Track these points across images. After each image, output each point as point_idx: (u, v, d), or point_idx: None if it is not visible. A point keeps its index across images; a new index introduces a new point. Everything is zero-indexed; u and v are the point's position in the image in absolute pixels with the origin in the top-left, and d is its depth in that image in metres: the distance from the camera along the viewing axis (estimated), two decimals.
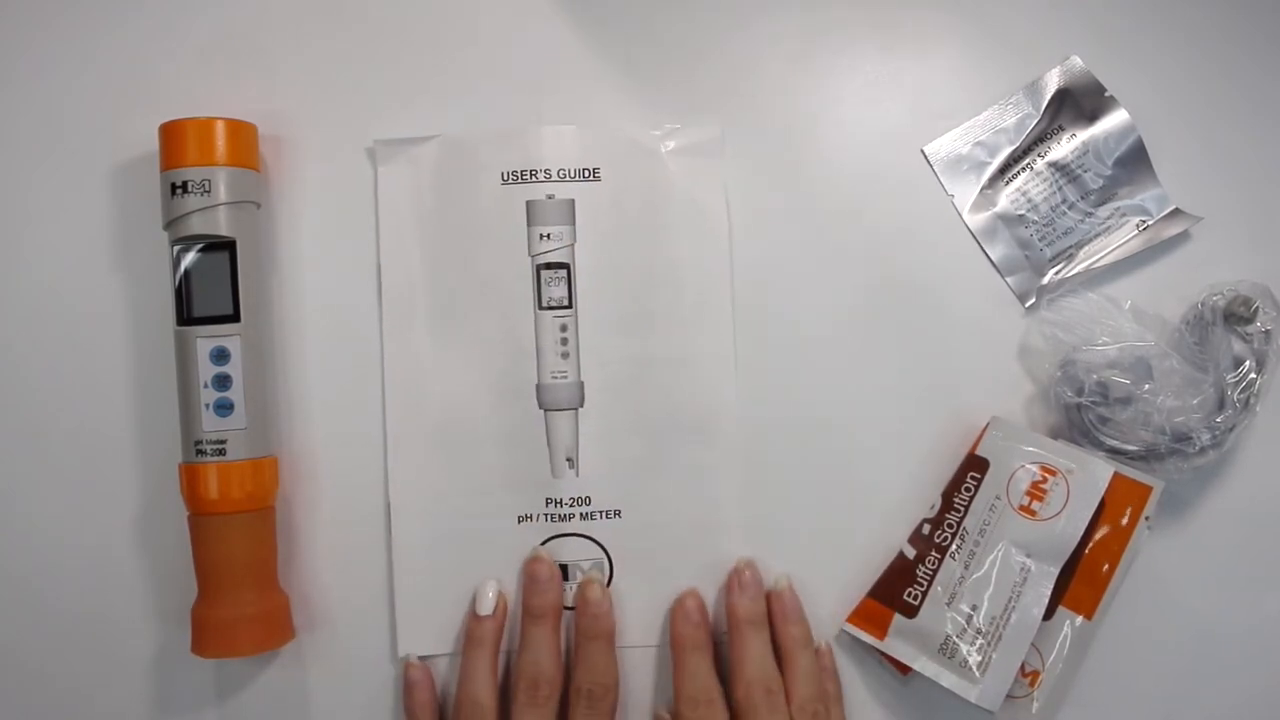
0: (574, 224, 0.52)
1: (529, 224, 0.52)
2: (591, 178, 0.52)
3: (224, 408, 0.49)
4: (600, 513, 0.52)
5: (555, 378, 0.52)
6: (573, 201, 0.52)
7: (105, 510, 0.52)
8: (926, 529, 0.52)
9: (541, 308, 0.52)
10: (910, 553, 0.52)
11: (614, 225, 0.52)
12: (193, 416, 0.49)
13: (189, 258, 0.49)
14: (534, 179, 0.52)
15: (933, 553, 0.51)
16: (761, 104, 0.54)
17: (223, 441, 0.49)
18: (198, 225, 0.49)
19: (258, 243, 0.51)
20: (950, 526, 0.51)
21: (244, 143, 0.51)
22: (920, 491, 0.53)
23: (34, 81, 0.54)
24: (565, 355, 0.52)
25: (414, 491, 0.52)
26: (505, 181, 0.52)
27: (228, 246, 0.49)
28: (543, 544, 0.52)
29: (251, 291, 0.50)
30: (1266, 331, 0.51)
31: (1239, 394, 0.51)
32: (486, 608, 0.51)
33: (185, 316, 0.49)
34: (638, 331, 0.52)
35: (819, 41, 0.55)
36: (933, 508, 0.52)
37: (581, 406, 0.52)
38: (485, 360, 0.52)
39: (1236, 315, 0.52)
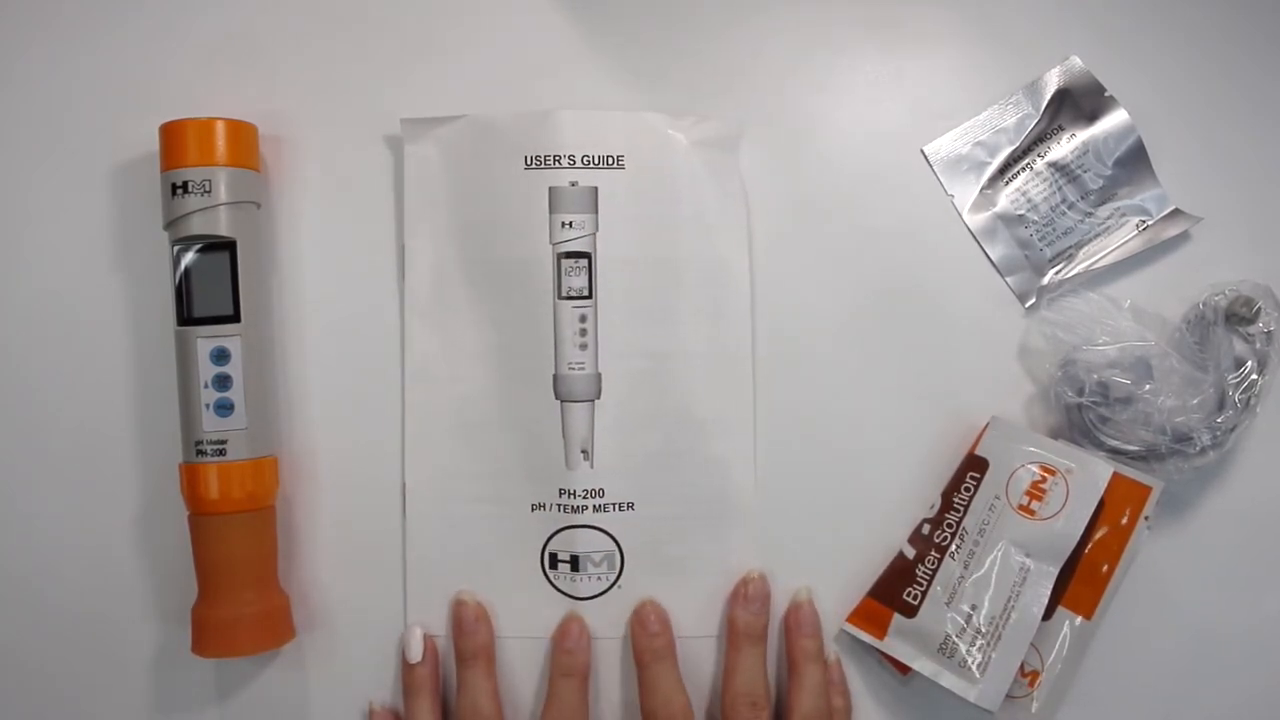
0: (596, 213, 0.51)
1: (551, 211, 0.51)
2: (615, 165, 0.51)
3: (224, 408, 0.49)
4: (613, 505, 0.52)
5: (573, 369, 0.51)
6: (596, 189, 0.51)
7: (105, 510, 0.52)
8: (926, 529, 0.52)
9: (561, 297, 0.51)
10: (910, 553, 0.52)
11: (636, 215, 0.52)
12: (193, 416, 0.49)
13: (189, 258, 0.49)
14: (557, 164, 0.51)
15: (932, 552, 0.51)
16: (760, 103, 0.54)
17: (223, 441, 0.49)
18: (198, 225, 0.49)
19: (258, 243, 0.51)
20: (950, 526, 0.51)
21: (244, 143, 0.51)
22: (920, 491, 0.53)
23: (34, 81, 0.54)
24: (583, 346, 0.51)
25: (429, 475, 0.52)
26: (529, 166, 0.51)
27: (228, 246, 0.49)
28: (554, 535, 0.52)
29: (251, 291, 0.50)
30: (1268, 332, 0.51)
31: (1240, 394, 0.51)
32: (415, 655, 0.50)
33: (185, 316, 0.49)
34: (657, 324, 0.52)
35: (818, 41, 0.55)
36: (932, 507, 0.52)
37: (598, 398, 0.52)
38: (503, 348, 0.52)
39: (1238, 315, 0.52)
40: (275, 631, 0.50)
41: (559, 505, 0.52)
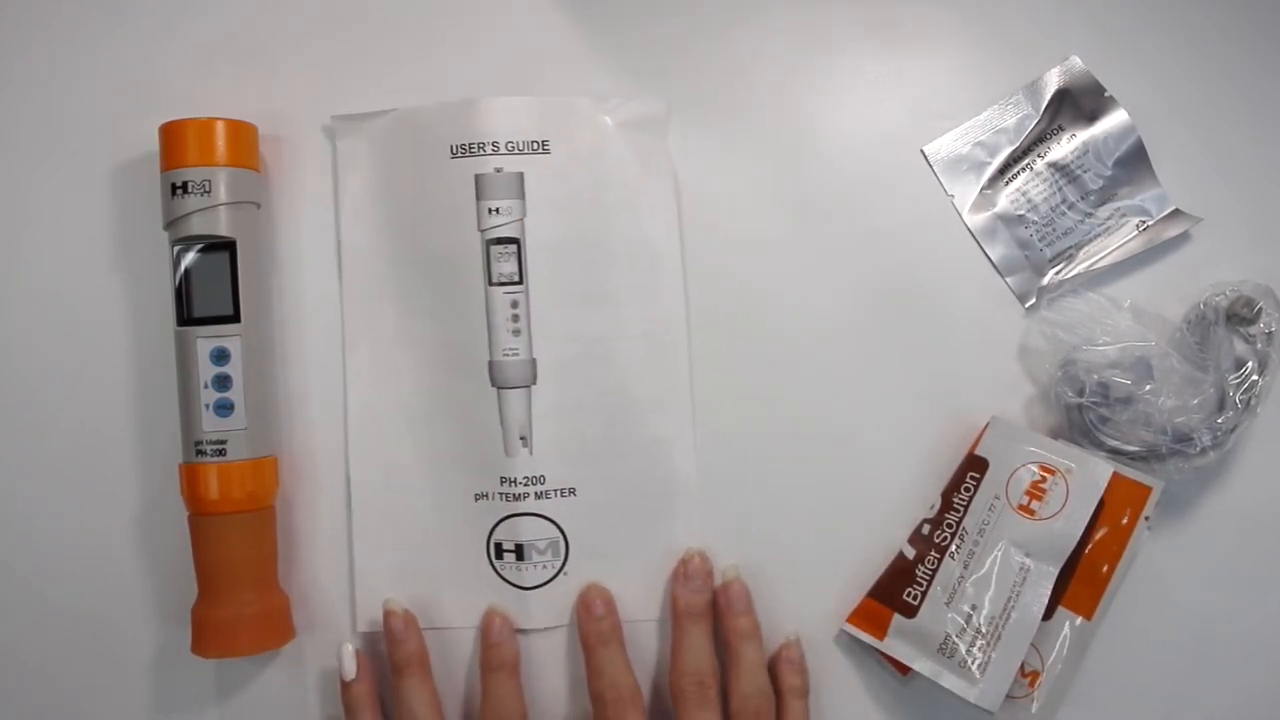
0: (523, 198, 0.51)
1: (478, 198, 0.51)
2: (541, 150, 0.51)
3: (224, 408, 0.49)
4: (555, 491, 0.52)
5: (507, 355, 0.51)
6: (521, 175, 0.51)
7: (105, 510, 0.52)
8: (926, 529, 0.52)
9: (492, 284, 0.51)
10: (910, 553, 0.52)
11: (564, 199, 0.52)
12: (193, 416, 0.49)
13: (189, 258, 0.49)
14: (482, 152, 0.51)
15: (932, 553, 0.51)
16: (759, 102, 0.54)
17: (223, 442, 0.49)
18: (198, 225, 0.49)
19: (258, 243, 0.51)
20: (950, 526, 0.51)
21: (244, 143, 0.51)
22: (920, 491, 0.53)
23: (34, 81, 0.54)
24: (516, 332, 0.51)
25: (374, 467, 0.52)
26: (455, 155, 0.51)
27: (228, 247, 0.49)
28: (498, 524, 0.51)
29: (251, 291, 0.50)
30: (1269, 333, 0.51)
31: (1240, 395, 0.51)
32: (349, 672, 0.50)
33: (185, 317, 0.49)
34: (590, 307, 0.52)
35: (818, 40, 0.55)
36: (932, 508, 0.52)
37: (534, 384, 0.51)
38: (439, 337, 0.52)
39: (1239, 316, 0.52)
40: (275, 631, 0.50)
41: (501, 494, 0.51)
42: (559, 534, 0.52)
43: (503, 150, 0.51)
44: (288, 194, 0.53)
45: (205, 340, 0.49)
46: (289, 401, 0.53)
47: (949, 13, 0.55)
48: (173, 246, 0.50)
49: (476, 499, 0.52)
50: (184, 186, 0.49)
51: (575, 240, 0.52)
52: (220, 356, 0.49)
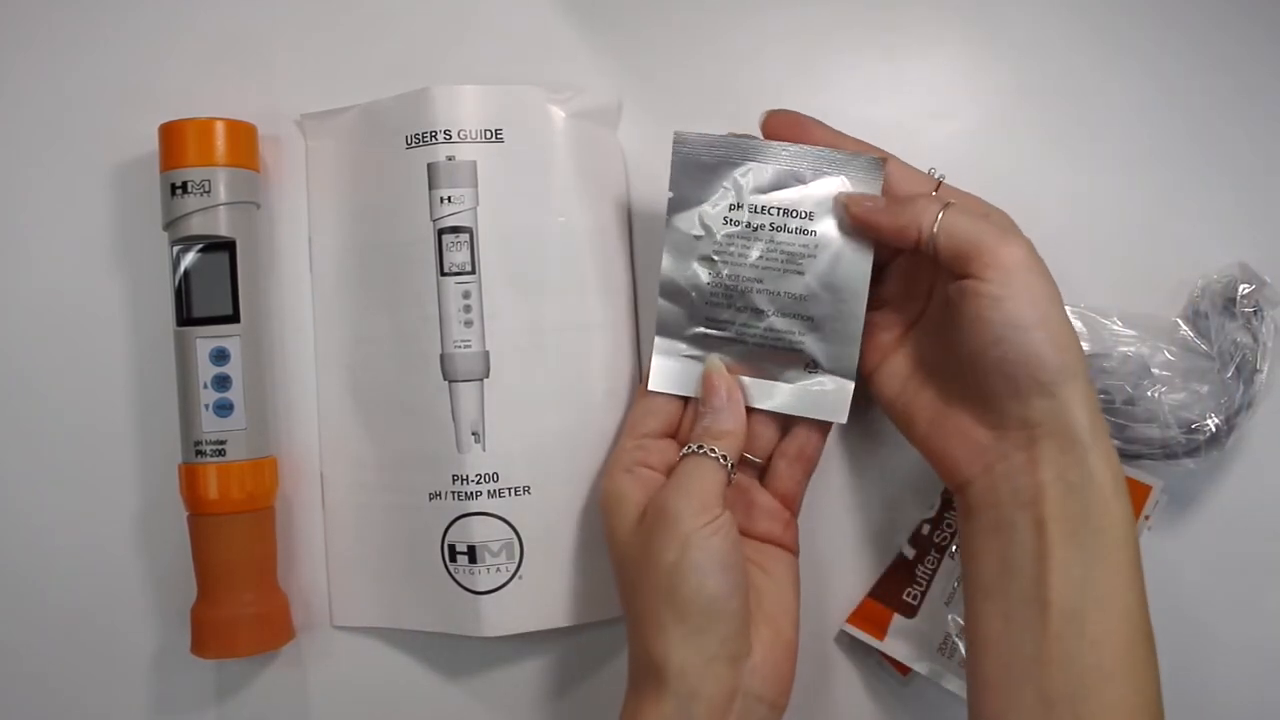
0: (476, 186, 0.50)
1: (430, 187, 0.50)
2: (494, 139, 0.51)
3: (224, 408, 0.49)
4: (509, 490, 0.50)
5: (459, 347, 0.50)
6: (474, 163, 0.50)
7: (105, 510, 0.52)
8: (926, 529, 0.52)
9: (444, 274, 0.50)
10: (910, 553, 0.52)
11: (518, 188, 0.51)
12: (192, 417, 0.49)
13: (189, 258, 0.49)
14: (434, 141, 0.50)
15: (932, 552, 0.51)
16: (759, 101, 0.54)
17: (222, 442, 0.49)
18: (198, 226, 0.49)
19: (258, 243, 0.51)
20: (950, 526, 0.51)
21: (244, 143, 0.51)
22: (920, 491, 0.53)
23: (34, 81, 0.54)
24: (469, 324, 0.50)
25: (342, 463, 0.52)
26: (410, 145, 0.51)
27: (228, 247, 0.49)
28: (451, 524, 0.50)
29: (251, 292, 0.50)
30: (1261, 314, 0.51)
31: (1243, 378, 0.50)
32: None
33: (185, 317, 0.49)
34: (543, 298, 0.51)
35: (818, 41, 0.55)
36: (932, 507, 0.52)
37: (487, 377, 0.50)
38: (396, 331, 0.51)
39: (1233, 300, 0.51)
40: (275, 632, 0.50)
41: (453, 493, 0.50)
42: (513, 535, 0.50)
43: (455, 139, 0.50)
44: (288, 194, 0.53)
45: (205, 340, 0.49)
46: (289, 401, 0.53)
47: (949, 13, 0.55)
48: (172, 246, 0.50)
49: (430, 498, 0.51)
50: (183, 186, 0.49)
51: (529, 230, 0.51)
52: (220, 356, 0.49)
